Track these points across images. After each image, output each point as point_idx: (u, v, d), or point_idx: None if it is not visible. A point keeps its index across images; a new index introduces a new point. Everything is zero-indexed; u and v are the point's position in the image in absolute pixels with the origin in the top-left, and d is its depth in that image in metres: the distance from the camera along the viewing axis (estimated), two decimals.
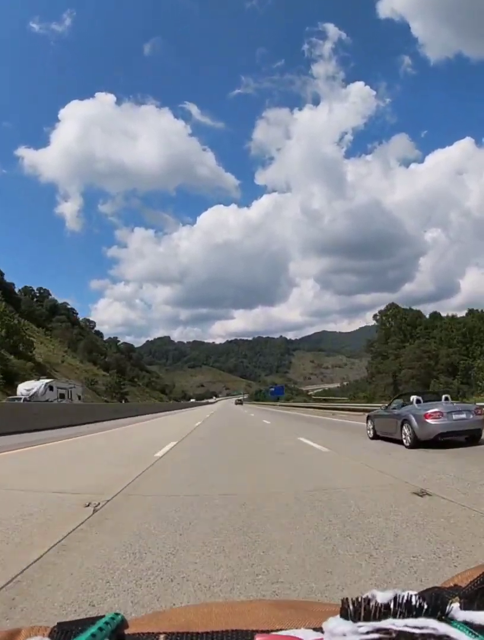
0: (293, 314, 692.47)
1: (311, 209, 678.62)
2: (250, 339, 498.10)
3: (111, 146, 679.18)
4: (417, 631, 0.35)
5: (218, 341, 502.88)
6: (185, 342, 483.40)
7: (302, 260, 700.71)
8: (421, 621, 0.36)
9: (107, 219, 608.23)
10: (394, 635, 0.35)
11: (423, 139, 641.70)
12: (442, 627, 0.35)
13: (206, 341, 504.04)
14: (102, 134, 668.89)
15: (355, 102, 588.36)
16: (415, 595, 0.39)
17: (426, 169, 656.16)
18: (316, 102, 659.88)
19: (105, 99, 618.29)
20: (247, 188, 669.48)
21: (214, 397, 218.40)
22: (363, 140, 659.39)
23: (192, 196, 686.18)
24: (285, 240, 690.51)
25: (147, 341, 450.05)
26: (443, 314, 78.58)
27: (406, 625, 0.35)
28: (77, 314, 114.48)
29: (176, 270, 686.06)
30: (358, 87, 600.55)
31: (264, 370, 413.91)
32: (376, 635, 0.35)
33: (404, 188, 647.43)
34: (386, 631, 0.35)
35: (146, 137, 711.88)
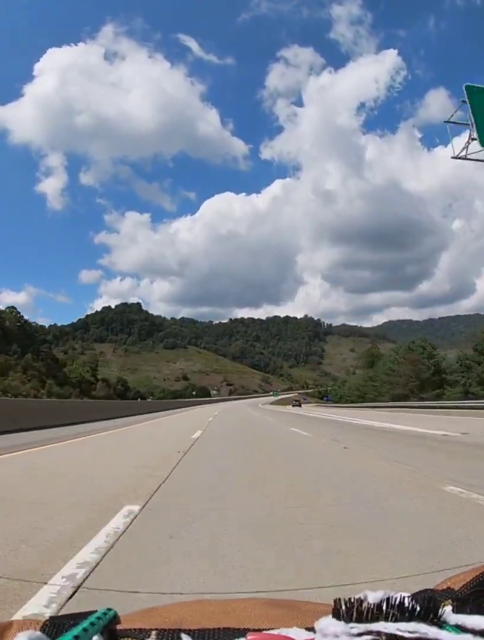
0: (299, 313, 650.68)
1: (323, 188, 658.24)
2: (263, 318, 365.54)
3: (94, 98, 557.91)
4: (408, 634, 0.35)
5: (217, 321, 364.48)
6: (168, 317, 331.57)
7: (313, 252, 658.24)
8: (413, 625, 0.36)
9: (95, 201, 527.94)
10: (385, 637, 0.35)
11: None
12: (433, 632, 0.35)
13: (198, 320, 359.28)
14: (83, 80, 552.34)
15: (383, 58, 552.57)
16: (408, 597, 0.39)
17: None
18: (339, 60, 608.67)
19: (89, 48, 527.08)
20: (255, 158, 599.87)
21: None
22: (391, 104, 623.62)
23: (194, 162, 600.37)
24: (295, 226, 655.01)
25: (104, 308, 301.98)
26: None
27: (398, 629, 0.35)
28: None
29: (174, 260, 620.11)
30: (391, 55, 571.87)
31: (286, 359, 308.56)
32: (367, 637, 0.35)
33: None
34: (378, 633, 0.35)
35: (137, 90, 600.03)
